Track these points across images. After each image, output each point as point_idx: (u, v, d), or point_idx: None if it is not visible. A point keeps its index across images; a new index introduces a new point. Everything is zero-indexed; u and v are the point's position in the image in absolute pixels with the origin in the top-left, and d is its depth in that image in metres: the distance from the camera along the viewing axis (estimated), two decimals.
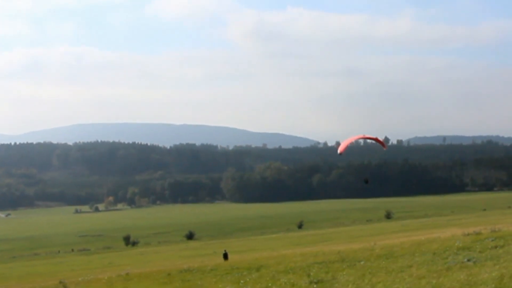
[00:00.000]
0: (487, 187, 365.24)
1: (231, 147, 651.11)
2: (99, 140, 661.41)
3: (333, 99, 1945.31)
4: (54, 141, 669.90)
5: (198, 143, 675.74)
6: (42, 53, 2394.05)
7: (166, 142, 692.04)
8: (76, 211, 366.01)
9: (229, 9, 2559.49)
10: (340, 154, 42.48)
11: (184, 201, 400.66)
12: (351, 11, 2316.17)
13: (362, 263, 32.38)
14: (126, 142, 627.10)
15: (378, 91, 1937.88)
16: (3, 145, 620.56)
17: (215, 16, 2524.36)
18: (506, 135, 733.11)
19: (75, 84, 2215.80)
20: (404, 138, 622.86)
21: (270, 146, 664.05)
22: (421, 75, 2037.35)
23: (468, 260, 27.54)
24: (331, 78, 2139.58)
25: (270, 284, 28.19)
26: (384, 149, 46.75)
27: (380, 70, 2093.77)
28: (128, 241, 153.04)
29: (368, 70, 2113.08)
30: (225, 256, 58.90)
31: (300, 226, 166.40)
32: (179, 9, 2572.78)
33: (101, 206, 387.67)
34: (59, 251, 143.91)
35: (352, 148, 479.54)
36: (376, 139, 44.61)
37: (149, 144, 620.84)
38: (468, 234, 42.02)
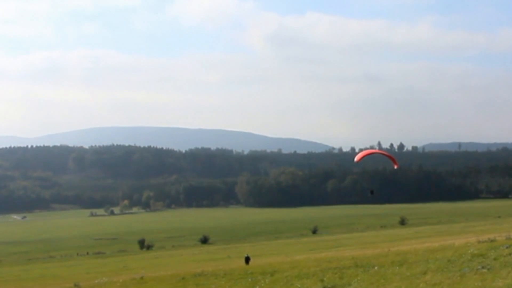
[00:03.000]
0: (502, 194, 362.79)
1: (246, 152, 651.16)
2: (115, 144, 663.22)
3: (349, 105, 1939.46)
4: (70, 144, 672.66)
5: (213, 147, 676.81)
6: (60, 56, 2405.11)
7: (182, 146, 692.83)
8: (91, 214, 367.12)
9: (248, 14, 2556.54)
10: (357, 162, 43.10)
11: (199, 205, 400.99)
12: (371, 17, 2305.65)
13: (376, 269, 32.42)
14: (142, 146, 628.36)
15: (395, 97, 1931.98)
16: (20, 147, 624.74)
17: (235, 20, 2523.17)
18: None
19: (92, 87, 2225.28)
20: (419, 144, 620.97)
21: (285, 151, 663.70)
22: (439, 81, 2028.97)
23: (483, 267, 27.53)
24: (348, 83, 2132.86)
25: None
26: (395, 167, 47.03)
27: (398, 76, 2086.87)
28: (143, 244, 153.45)
29: (386, 76, 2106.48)
30: (247, 260, 59.17)
31: (314, 232, 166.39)
32: (199, 13, 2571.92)
33: (116, 210, 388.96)
34: (77, 254, 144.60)
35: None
36: (391, 157, 45.38)
37: (164, 148, 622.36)
38: (483, 242, 41.93)
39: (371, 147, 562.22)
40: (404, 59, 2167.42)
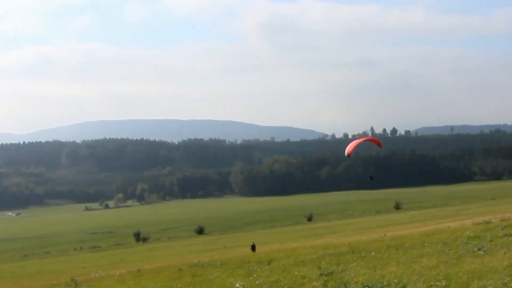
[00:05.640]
0: (496, 176, 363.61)
1: (239, 141, 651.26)
2: (108, 137, 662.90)
3: (342, 91, 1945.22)
4: (63, 139, 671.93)
5: (206, 138, 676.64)
6: (52, 51, 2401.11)
7: (174, 137, 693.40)
8: (86, 209, 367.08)
9: (241, 1, 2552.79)
10: (349, 156, 43.07)
11: (193, 196, 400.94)
12: (363, 2, 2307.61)
13: (372, 254, 32.43)
14: (134, 138, 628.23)
15: (387, 82, 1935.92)
16: (12, 144, 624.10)
17: (228, 8, 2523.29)
18: None
19: (84, 81, 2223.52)
20: (412, 128, 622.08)
21: (278, 139, 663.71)
22: (432, 65, 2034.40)
23: (479, 249, 27.55)
24: (342, 69, 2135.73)
25: (281, 277, 28.24)
26: (380, 147, 47.10)
27: (392, 61, 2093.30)
28: (139, 237, 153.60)
29: (379, 61, 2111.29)
30: (253, 247, 59.31)
31: (309, 219, 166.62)
32: (191, 2, 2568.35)
33: (110, 203, 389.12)
34: (75, 248, 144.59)
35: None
36: (373, 140, 45.64)
37: (157, 140, 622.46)
38: (478, 224, 42.02)
39: (364, 133, 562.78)
40: (397, 44, 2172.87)
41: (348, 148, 43.24)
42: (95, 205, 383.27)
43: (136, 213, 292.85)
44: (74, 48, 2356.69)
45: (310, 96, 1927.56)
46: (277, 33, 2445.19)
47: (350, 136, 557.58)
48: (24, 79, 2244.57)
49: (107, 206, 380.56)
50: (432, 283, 21.01)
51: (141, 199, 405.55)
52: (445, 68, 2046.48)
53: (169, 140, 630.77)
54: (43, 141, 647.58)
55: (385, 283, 22.48)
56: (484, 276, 20.98)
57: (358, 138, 49.69)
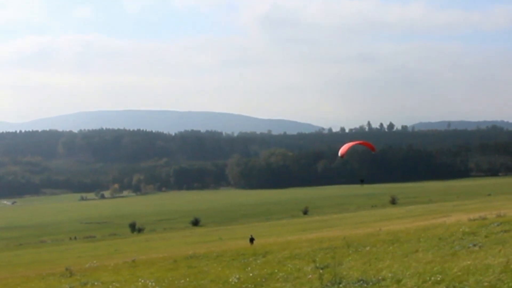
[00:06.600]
0: (492, 172, 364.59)
1: (236, 134, 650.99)
2: (104, 128, 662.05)
3: (340, 85, 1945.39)
4: (60, 129, 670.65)
5: (203, 129, 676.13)
6: (50, 41, 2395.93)
7: (171, 129, 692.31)
8: (82, 199, 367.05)
9: None
10: (342, 157, 43.58)
11: (189, 187, 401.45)
12: None
13: (367, 248, 32.44)
14: (131, 129, 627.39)
15: (386, 77, 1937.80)
16: (9, 133, 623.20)
17: (228, 1, 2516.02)
18: (511, 120, 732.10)
19: (81, 72, 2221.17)
20: (409, 123, 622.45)
21: (275, 132, 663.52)
22: (431, 61, 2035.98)
23: (474, 245, 27.56)
24: (340, 64, 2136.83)
25: (276, 270, 28.22)
26: (373, 152, 47.53)
27: (391, 56, 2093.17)
28: (134, 228, 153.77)
29: (378, 56, 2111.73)
30: (251, 240, 59.50)
31: (305, 212, 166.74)
32: None
33: (106, 193, 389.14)
34: (71, 238, 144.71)
35: (358, 135, 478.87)
36: (367, 144, 46.31)
37: (154, 131, 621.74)
38: (474, 219, 42.05)
39: (361, 127, 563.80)
40: (396, 39, 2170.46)
41: (342, 150, 43.62)
42: (91, 195, 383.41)
43: (132, 204, 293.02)
44: (73, 39, 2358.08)
45: (308, 89, 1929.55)
46: (276, 27, 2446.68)
47: (347, 131, 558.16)
48: (23, 69, 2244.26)
49: (103, 197, 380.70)
50: (427, 278, 20.99)
51: (137, 190, 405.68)
52: (444, 64, 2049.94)
53: (166, 131, 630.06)
54: (39, 130, 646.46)
55: (380, 277, 22.45)
56: (479, 272, 20.98)
57: (354, 140, 50.22)
